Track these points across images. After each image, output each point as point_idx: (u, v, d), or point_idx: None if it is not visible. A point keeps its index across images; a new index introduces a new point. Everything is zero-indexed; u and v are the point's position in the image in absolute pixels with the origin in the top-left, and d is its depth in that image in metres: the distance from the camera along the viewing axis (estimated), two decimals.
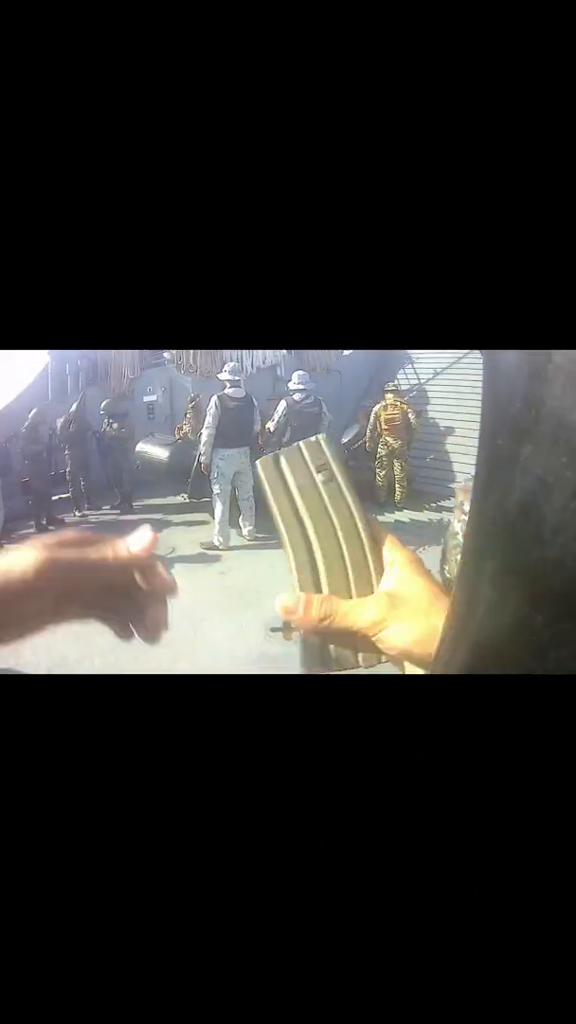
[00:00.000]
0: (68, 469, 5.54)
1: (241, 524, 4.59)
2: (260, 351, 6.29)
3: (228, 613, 3.49)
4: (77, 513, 5.60)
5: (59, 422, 5.44)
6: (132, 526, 0.30)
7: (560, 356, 0.15)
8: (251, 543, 4.56)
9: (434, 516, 5.05)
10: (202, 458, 4.45)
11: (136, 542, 0.29)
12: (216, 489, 4.41)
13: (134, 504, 5.86)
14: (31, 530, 5.67)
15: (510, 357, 0.17)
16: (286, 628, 0.31)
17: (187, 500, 5.27)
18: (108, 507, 5.92)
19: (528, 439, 0.16)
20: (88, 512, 5.67)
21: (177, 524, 5.16)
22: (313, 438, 0.32)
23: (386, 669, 0.30)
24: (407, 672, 0.28)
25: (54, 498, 5.70)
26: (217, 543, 4.47)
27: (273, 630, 3.39)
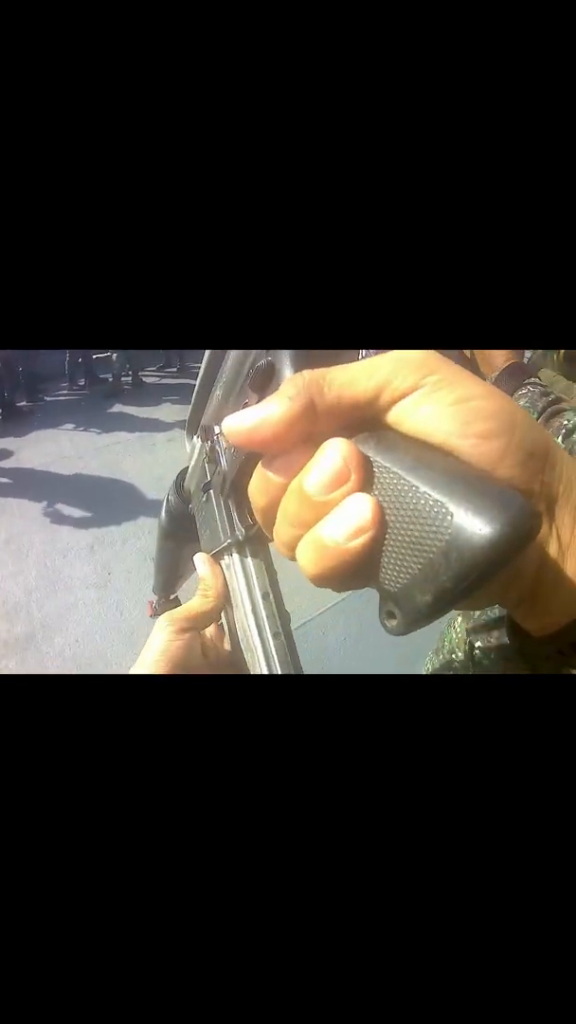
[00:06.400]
0: None
1: None
2: None
3: None
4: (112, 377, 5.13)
5: None
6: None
7: None
8: None
9: None
10: None
11: (206, 574, 0.38)
12: None
13: (188, 364, 5.38)
14: (64, 389, 5.13)
15: None
16: None
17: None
18: (154, 368, 5.48)
19: None
20: (129, 374, 5.22)
21: None
22: None
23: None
24: None
25: (94, 357, 5.17)
26: None
27: None
